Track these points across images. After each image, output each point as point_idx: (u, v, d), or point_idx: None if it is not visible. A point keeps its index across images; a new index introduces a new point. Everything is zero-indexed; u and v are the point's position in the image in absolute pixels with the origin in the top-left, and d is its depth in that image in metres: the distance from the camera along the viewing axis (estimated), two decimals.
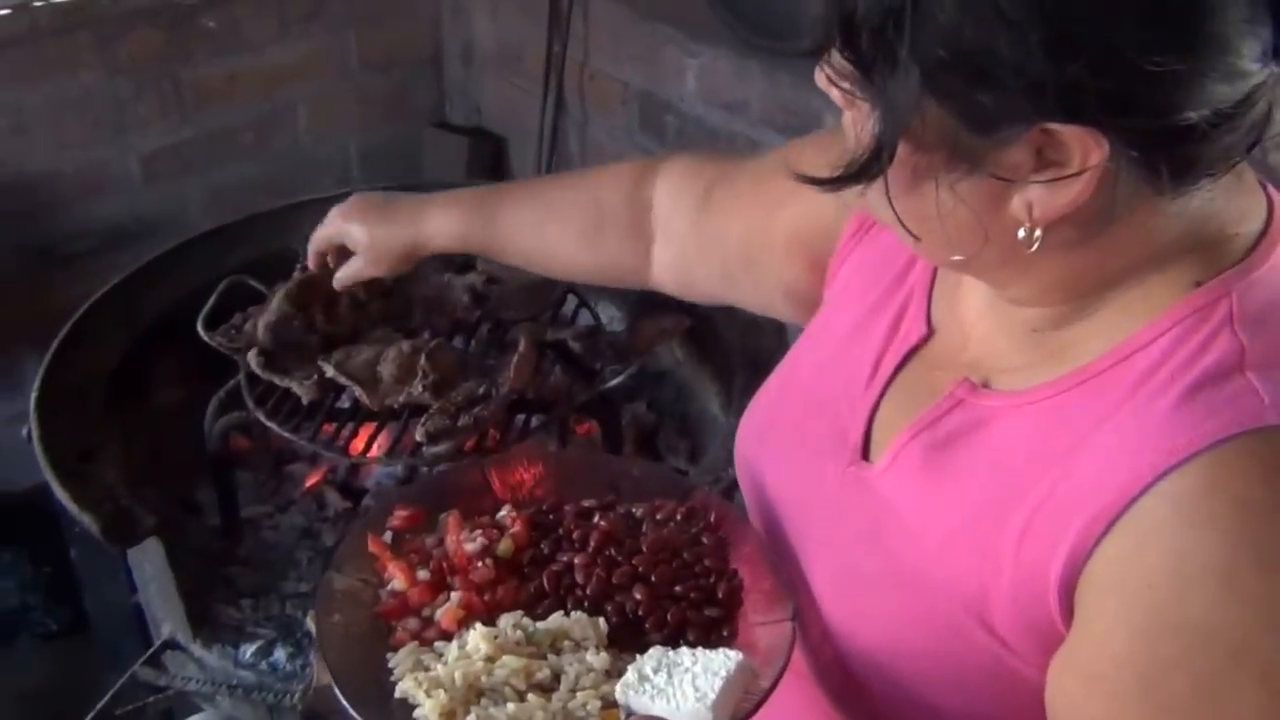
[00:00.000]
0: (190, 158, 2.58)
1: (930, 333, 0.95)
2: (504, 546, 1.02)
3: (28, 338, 2.40)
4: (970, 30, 0.68)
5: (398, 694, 0.91)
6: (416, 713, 0.89)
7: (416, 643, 0.96)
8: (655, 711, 0.85)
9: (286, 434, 1.39)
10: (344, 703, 0.89)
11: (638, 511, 1.06)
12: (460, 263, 1.62)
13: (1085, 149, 0.70)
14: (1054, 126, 0.70)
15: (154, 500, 1.42)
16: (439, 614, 0.97)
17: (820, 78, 0.80)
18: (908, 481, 0.89)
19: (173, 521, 1.41)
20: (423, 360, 1.42)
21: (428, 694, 0.89)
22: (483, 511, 1.06)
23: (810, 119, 2.20)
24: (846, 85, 0.75)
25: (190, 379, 1.74)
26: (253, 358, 1.43)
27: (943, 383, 0.90)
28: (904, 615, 0.88)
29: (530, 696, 0.89)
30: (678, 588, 0.99)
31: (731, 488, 1.37)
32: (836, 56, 0.75)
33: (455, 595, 0.97)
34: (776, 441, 1.06)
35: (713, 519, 1.05)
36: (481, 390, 1.37)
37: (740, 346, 1.66)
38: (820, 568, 0.96)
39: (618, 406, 1.54)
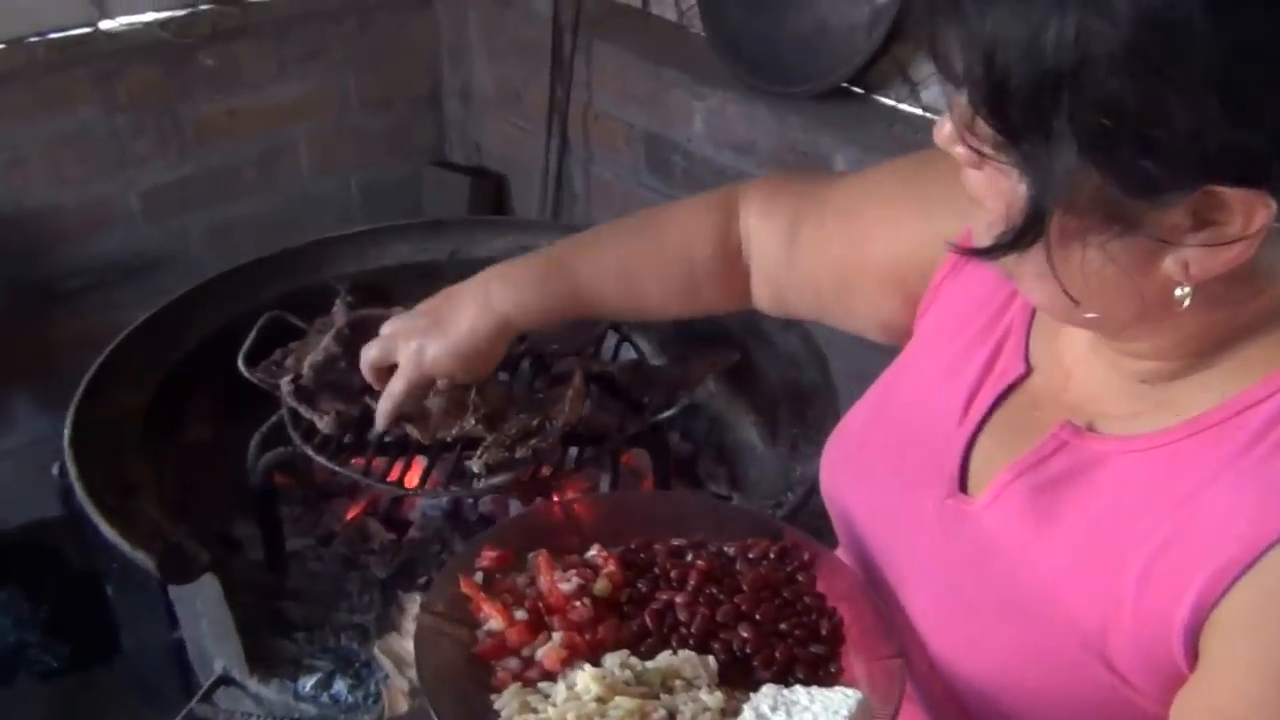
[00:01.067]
0: (191, 194, 2.56)
1: (1028, 371, 0.95)
2: (600, 585, 1.01)
3: (21, 375, 2.46)
4: (1135, 99, 0.66)
5: None
6: None
7: (519, 684, 0.93)
8: None
9: (335, 467, 1.36)
10: None
11: (729, 549, 1.05)
12: None
13: (1250, 210, 0.70)
14: (1219, 189, 0.69)
15: (199, 536, 1.37)
16: (540, 654, 0.95)
17: (943, 137, 0.80)
18: (1012, 520, 0.90)
19: (226, 556, 1.37)
20: (472, 394, 1.39)
21: None
22: (569, 550, 1.05)
23: (819, 159, 2.23)
24: (988, 150, 0.74)
25: (221, 415, 1.71)
26: (284, 384, 1.42)
27: (1044, 423, 0.91)
28: (1016, 647, 0.89)
29: None
30: (782, 625, 0.99)
31: (795, 512, 1.38)
32: (972, 118, 0.74)
33: (557, 635, 0.95)
34: (866, 473, 1.06)
35: (806, 557, 1.04)
36: (535, 423, 1.35)
37: (781, 379, 1.66)
38: (921, 599, 0.96)
39: (666, 438, 1.53)
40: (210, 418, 1.69)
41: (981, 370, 0.97)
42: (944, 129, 0.79)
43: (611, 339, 1.66)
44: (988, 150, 0.74)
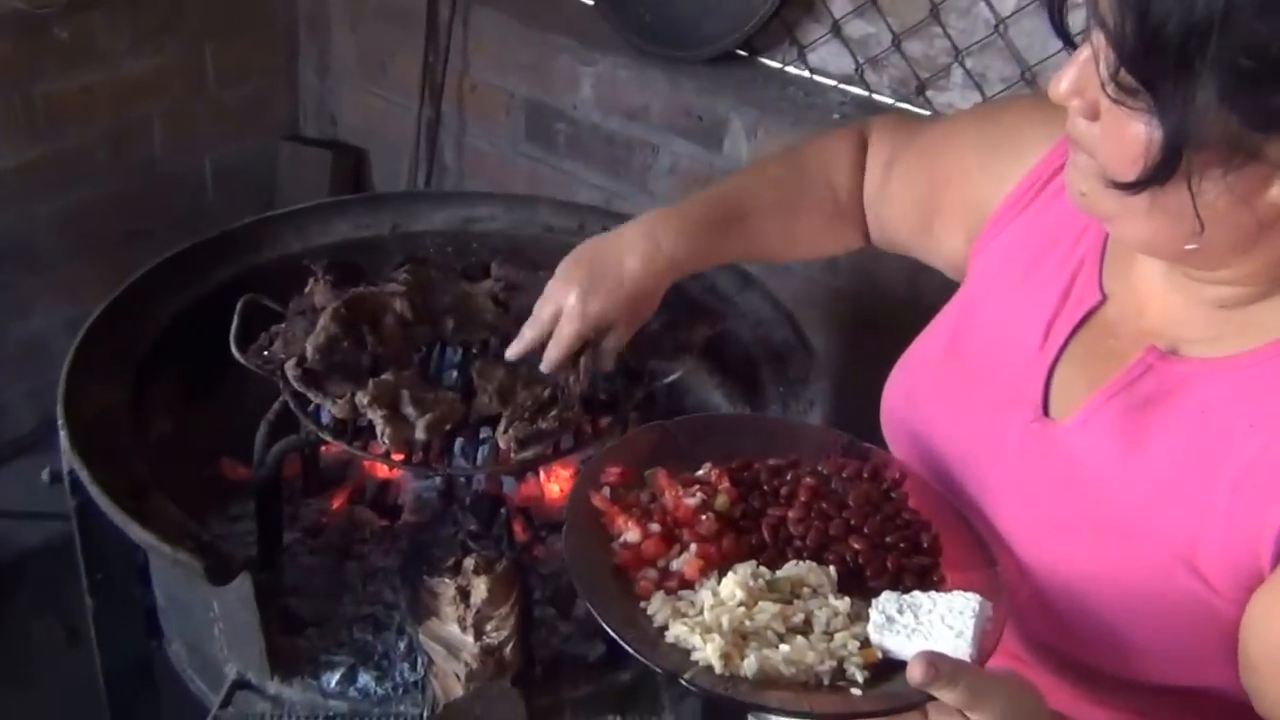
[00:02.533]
0: (39, 178, 2.41)
1: (1103, 299, 1.02)
2: (721, 501, 1.06)
3: None
4: (1278, 41, 0.73)
5: (669, 638, 0.94)
6: (696, 655, 0.92)
7: (663, 592, 0.98)
8: (913, 648, 0.89)
9: (357, 452, 1.33)
10: (631, 650, 0.92)
11: (824, 469, 1.12)
12: (474, 272, 1.63)
13: None
14: None
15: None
16: (678, 564, 1.00)
17: (1060, 93, 0.88)
18: (1102, 441, 0.96)
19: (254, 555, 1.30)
20: (474, 376, 1.38)
21: (704, 639, 0.92)
22: (677, 469, 1.10)
23: (716, 122, 2.26)
24: (1124, 98, 0.80)
25: (181, 408, 1.64)
26: (290, 369, 1.36)
27: (1125, 349, 0.97)
28: (1105, 558, 0.95)
29: (796, 638, 0.94)
30: (888, 538, 1.05)
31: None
32: (1117, 69, 0.79)
33: (692, 547, 1.00)
34: (943, 402, 1.12)
35: (896, 475, 1.11)
36: (548, 394, 1.35)
37: (754, 341, 1.72)
38: (1009, 516, 1.03)
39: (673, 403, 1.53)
40: (171, 411, 1.60)
41: (1058, 300, 1.04)
42: (1060, 85, 0.86)
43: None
44: (1124, 98, 0.79)
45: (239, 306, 1.46)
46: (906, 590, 0.96)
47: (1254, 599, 0.87)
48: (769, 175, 1.34)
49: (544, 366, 1.34)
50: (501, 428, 1.34)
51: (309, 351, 1.37)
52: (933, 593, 0.95)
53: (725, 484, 1.07)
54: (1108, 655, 0.98)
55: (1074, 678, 1.03)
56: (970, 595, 0.92)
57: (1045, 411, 1.01)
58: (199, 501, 1.59)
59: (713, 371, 1.76)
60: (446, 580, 1.34)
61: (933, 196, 1.22)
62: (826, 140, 1.34)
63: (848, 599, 0.97)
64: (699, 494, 1.05)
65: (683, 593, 0.98)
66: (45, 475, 1.33)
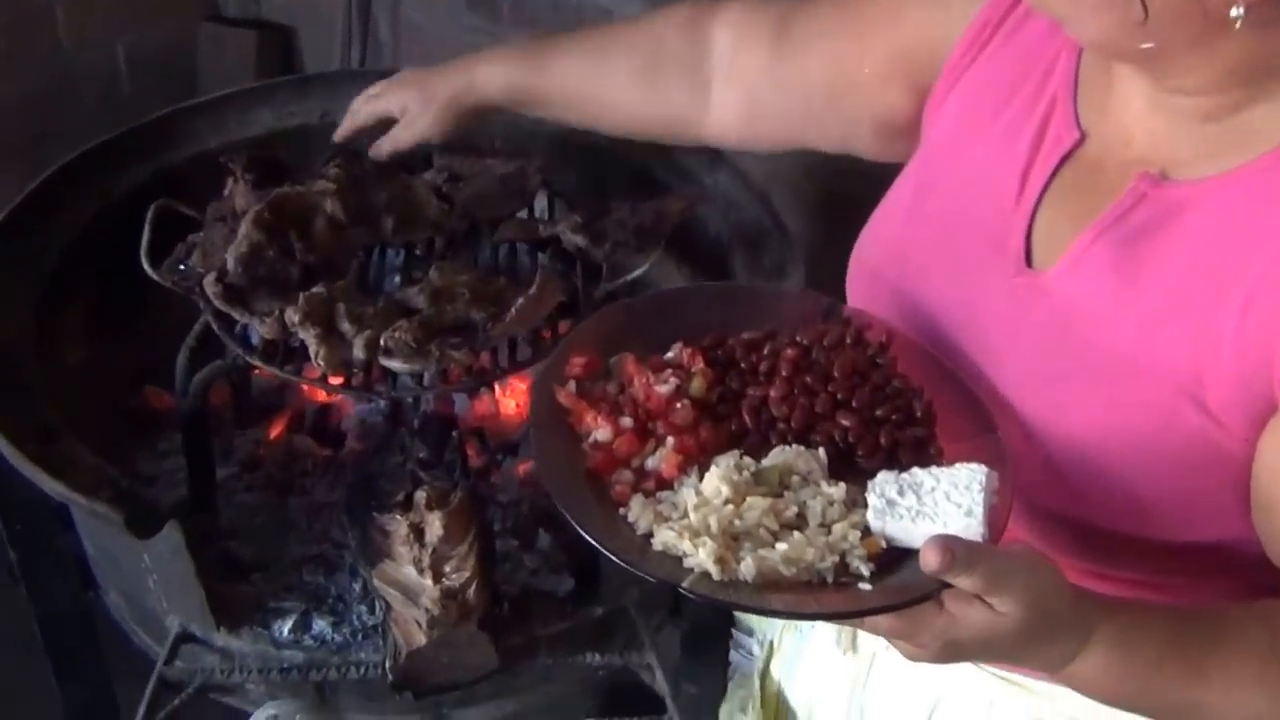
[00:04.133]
0: None
1: (1082, 137, 0.98)
2: (696, 385, 0.99)
3: None
4: None
5: (657, 545, 0.88)
6: (689, 562, 0.86)
7: (642, 495, 0.92)
8: (919, 533, 0.84)
9: (290, 376, 1.25)
10: (622, 564, 0.85)
11: (802, 339, 1.04)
12: (414, 163, 1.49)
13: None
14: None
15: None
16: (653, 462, 0.94)
17: None
18: (1095, 280, 0.93)
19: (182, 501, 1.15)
20: (433, 273, 1.28)
21: (694, 544, 0.86)
22: (648, 353, 1.02)
23: None
24: None
25: (94, 333, 1.53)
26: (210, 285, 1.24)
27: (1112, 183, 0.94)
28: (1108, 404, 0.92)
29: (792, 534, 0.88)
30: (878, 411, 0.99)
31: None
32: None
33: (669, 441, 0.94)
34: (919, 260, 1.08)
35: (883, 339, 1.05)
36: (472, 318, 1.24)
37: (724, 224, 1.60)
38: (1006, 373, 0.99)
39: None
40: (85, 336, 1.51)
41: (1031, 144, 0.99)
42: None
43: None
44: None
45: (149, 215, 1.38)
46: (903, 468, 0.91)
47: (1265, 434, 0.86)
48: (594, 30, 1.39)
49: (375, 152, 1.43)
50: (392, 328, 1.20)
51: (230, 264, 1.27)
52: (933, 468, 0.90)
53: (699, 364, 1.00)
54: (1119, 513, 0.95)
55: (1085, 548, 1.00)
56: (975, 466, 0.88)
57: (1029, 263, 0.98)
58: (121, 438, 1.56)
59: (680, 262, 1.66)
60: (398, 517, 1.28)
61: (853, 47, 1.14)
62: (670, 7, 1.30)
63: (842, 485, 0.92)
64: (671, 379, 0.98)
65: (663, 494, 0.93)
66: None
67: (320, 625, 1.33)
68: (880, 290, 1.11)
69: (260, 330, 1.24)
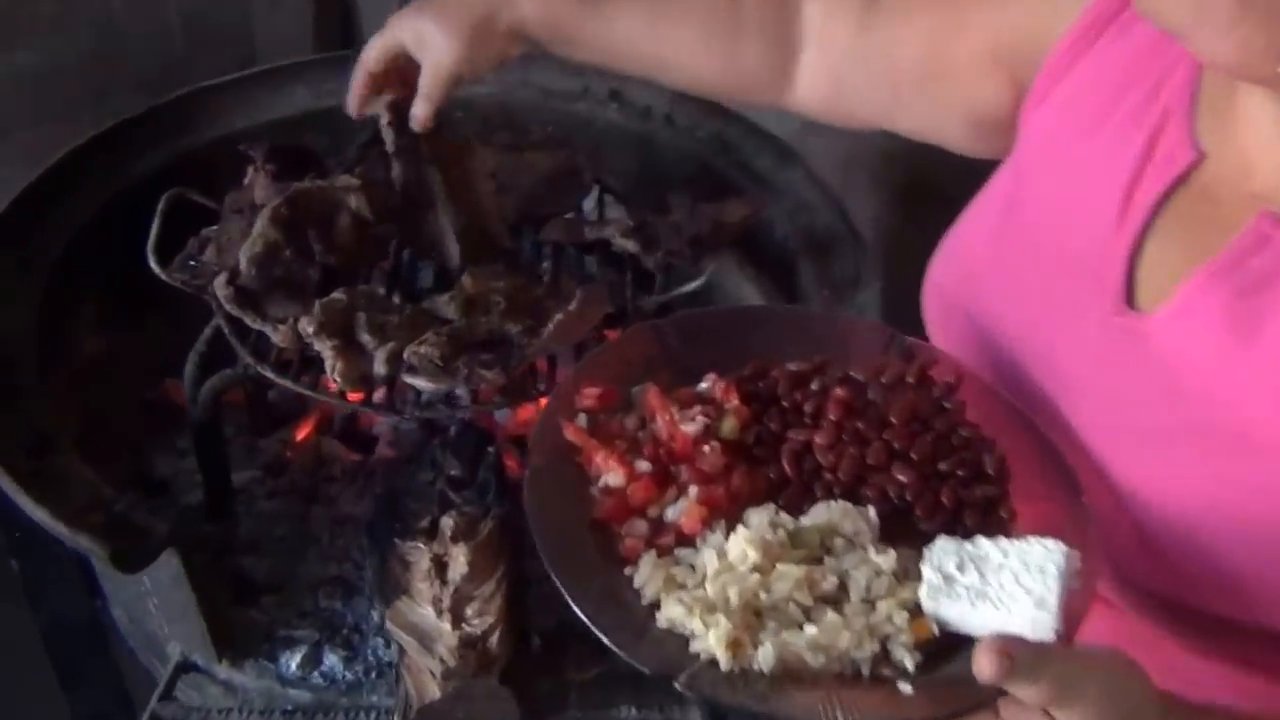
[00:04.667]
0: None
1: (1199, 157, 0.86)
2: (728, 426, 0.88)
3: None
4: None
5: (661, 622, 0.77)
6: (697, 645, 0.76)
7: (654, 552, 0.81)
8: (979, 620, 0.74)
9: (310, 393, 1.16)
10: (608, 644, 0.74)
11: (857, 375, 0.93)
12: None
13: None
14: None
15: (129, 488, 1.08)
16: (673, 514, 0.83)
17: None
18: (1207, 332, 0.82)
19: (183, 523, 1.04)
20: (465, 279, 1.17)
21: (704, 622, 0.76)
22: (673, 381, 0.92)
23: None
24: None
25: (114, 322, 1.44)
26: (220, 288, 1.15)
27: (1231, 217, 0.83)
28: (1218, 478, 0.82)
29: (826, 612, 0.76)
30: (941, 465, 0.87)
31: None
32: None
33: (692, 490, 0.83)
34: (1001, 285, 0.97)
35: (951, 379, 0.93)
36: (507, 331, 1.11)
37: (792, 229, 1.46)
38: (1095, 427, 0.89)
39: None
40: (102, 327, 1.42)
41: (1138, 161, 0.88)
42: None
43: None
44: None
45: (160, 206, 1.27)
46: (967, 532, 0.81)
47: None
48: None
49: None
50: (419, 341, 1.08)
51: (242, 264, 1.17)
52: (1003, 540, 0.79)
53: (734, 401, 0.90)
54: (1221, 597, 0.85)
55: (1179, 624, 0.90)
56: (1052, 544, 0.77)
57: (1129, 301, 0.87)
58: (140, 434, 1.47)
59: (744, 263, 1.53)
60: (420, 545, 1.17)
61: (948, 28, 1.03)
62: None
63: (892, 553, 0.81)
64: (700, 417, 0.87)
65: (681, 551, 0.82)
66: None
67: (331, 660, 1.24)
68: (954, 317, 1.00)
69: (274, 338, 1.15)
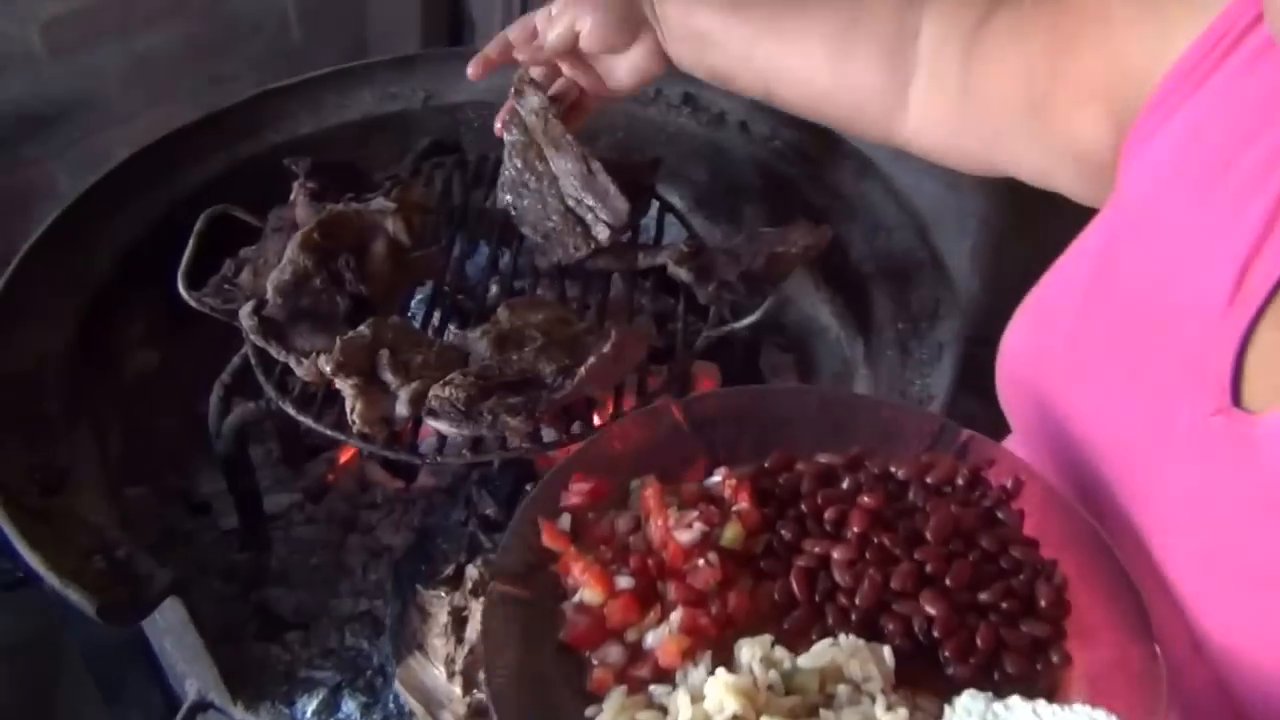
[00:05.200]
0: (100, 23, 2.14)
1: None
2: (730, 534, 0.77)
3: None
4: None
5: None
6: None
7: (625, 688, 0.71)
8: None
9: (327, 431, 1.07)
10: None
11: (899, 472, 0.82)
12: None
13: None
14: None
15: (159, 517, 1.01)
16: (652, 641, 0.73)
17: None
18: None
19: (204, 550, 1.00)
20: (501, 311, 1.10)
21: None
22: (685, 472, 0.83)
23: None
24: None
25: (165, 336, 1.40)
26: (246, 318, 1.10)
27: None
28: None
29: None
30: (982, 595, 0.75)
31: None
32: None
33: (675, 615, 0.73)
34: (1083, 364, 0.85)
35: (1008, 484, 0.80)
36: (537, 372, 1.03)
37: (869, 250, 1.35)
38: (1180, 551, 0.76)
39: (757, 344, 1.14)
40: (152, 342, 1.39)
41: (1258, 233, 0.73)
42: None
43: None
44: None
45: (198, 225, 1.23)
46: (1006, 680, 0.70)
47: None
48: None
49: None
50: (443, 383, 1.01)
51: (269, 293, 1.13)
52: (1042, 704, 0.66)
53: (743, 502, 0.79)
54: None
55: None
56: (1099, 715, 0.64)
57: (1236, 399, 0.73)
58: (185, 451, 1.43)
59: (820, 283, 1.44)
60: (442, 595, 1.11)
61: (1058, 51, 0.90)
62: None
63: (904, 711, 0.68)
64: (698, 523, 0.76)
65: (656, 689, 0.71)
66: None
67: (349, 707, 1.17)
68: (1023, 393, 0.87)
69: (298, 372, 1.10)
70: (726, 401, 0.89)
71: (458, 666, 1.09)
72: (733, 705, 0.67)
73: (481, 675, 1.08)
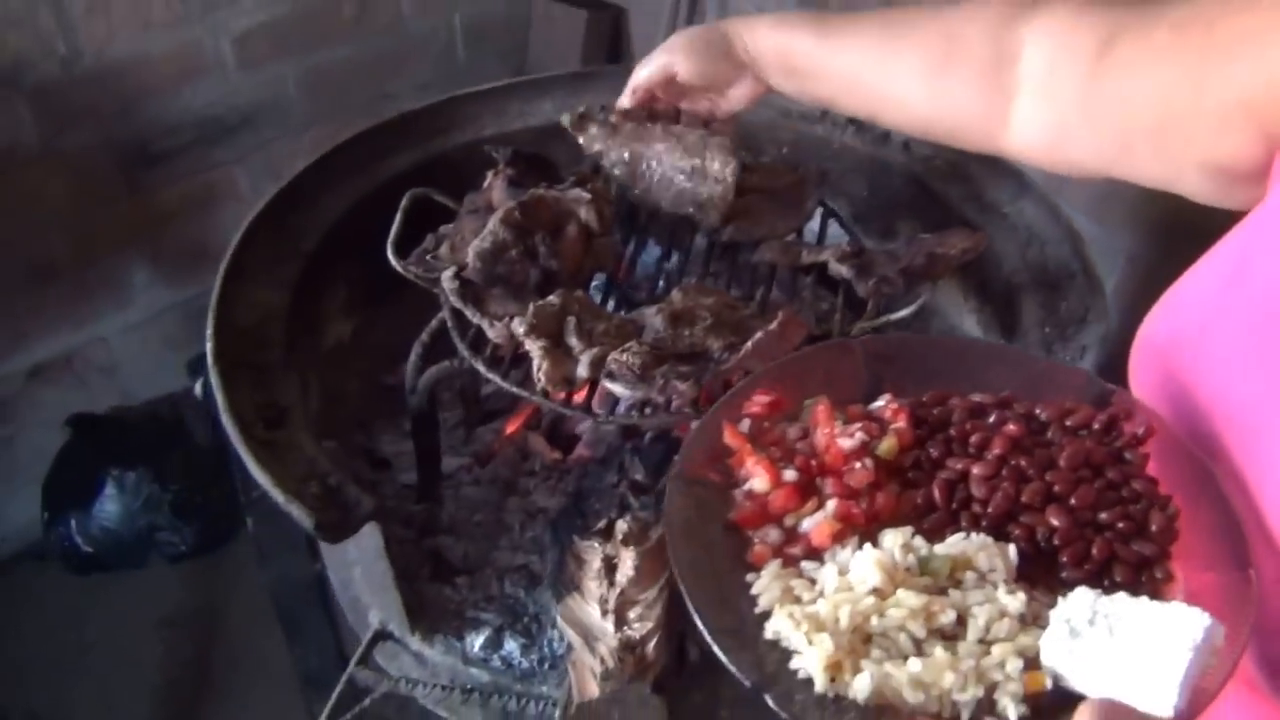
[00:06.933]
0: (285, 37, 2.37)
1: None
2: (886, 445, 0.86)
3: (132, 245, 2.35)
4: None
5: (768, 633, 0.76)
6: (797, 662, 0.75)
7: (780, 561, 0.81)
8: (1095, 682, 0.70)
9: (517, 391, 1.20)
10: (710, 643, 0.73)
11: (1042, 414, 0.90)
12: None
13: None
14: None
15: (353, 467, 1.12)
16: (807, 525, 0.82)
17: None
18: None
19: (386, 499, 1.11)
20: (676, 293, 1.21)
21: (808, 639, 0.74)
22: (854, 400, 0.92)
23: None
24: None
25: (359, 309, 1.58)
26: (447, 281, 1.24)
27: None
28: None
29: (937, 648, 0.74)
30: (1102, 515, 0.82)
31: None
32: None
33: (830, 504, 0.83)
34: (1219, 348, 0.87)
35: (1139, 431, 0.87)
36: (705, 347, 1.14)
37: (1021, 261, 1.42)
38: None
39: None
40: (348, 313, 1.56)
41: None
42: None
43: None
44: None
45: (403, 203, 1.39)
46: (1114, 589, 0.76)
47: None
48: (889, 10, 1.20)
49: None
50: (621, 350, 1.12)
51: (470, 258, 1.26)
52: (1145, 600, 0.73)
53: (900, 422, 0.88)
54: None
55: None
56: (1197, 614, 0.71)
57: None
58: (372, 414, 1.59)
59: (968, 294, 1.51)
60: (595, 545, 1.23)
61: (1194, 79, 0.93)
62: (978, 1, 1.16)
63: (1022, 595, 0.77)
64: (859, 433, 0.86)
65: (807, 564, 0.81)
66: (198, 389, 1.17)
67: (511, 646, 1.31)
68: (1159, 377, 0.92)
69: (490, 334, 1.24)
70: (900, 343, 1.00)
71: (610, 606, 1.19)
72: (875, 577, 0.76)
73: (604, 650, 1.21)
